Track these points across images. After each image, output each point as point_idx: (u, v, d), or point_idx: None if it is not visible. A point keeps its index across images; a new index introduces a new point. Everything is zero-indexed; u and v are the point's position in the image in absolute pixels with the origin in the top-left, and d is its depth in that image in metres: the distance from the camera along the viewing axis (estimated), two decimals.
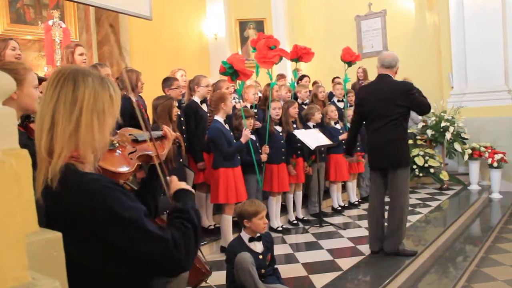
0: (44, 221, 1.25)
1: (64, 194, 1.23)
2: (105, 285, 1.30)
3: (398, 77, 4.31)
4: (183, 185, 1.61)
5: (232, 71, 4.50)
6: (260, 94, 5.83)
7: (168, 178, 1.66)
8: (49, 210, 1.25)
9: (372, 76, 7.69)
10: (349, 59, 5.95)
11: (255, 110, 5.12)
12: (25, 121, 2.14)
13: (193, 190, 1.61)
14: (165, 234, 1.28)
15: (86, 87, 1.30)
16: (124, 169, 1.63)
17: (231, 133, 4.46)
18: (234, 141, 4.39)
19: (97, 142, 1.31)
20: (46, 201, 1.23)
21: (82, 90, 1.29)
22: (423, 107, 3.99)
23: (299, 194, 5.51)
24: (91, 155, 1.32)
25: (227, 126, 4.47)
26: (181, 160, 4.16)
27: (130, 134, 1.79)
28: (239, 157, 4.44)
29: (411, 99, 3.93)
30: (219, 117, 4.38)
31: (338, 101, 6.67)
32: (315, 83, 7.31)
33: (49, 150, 1.26)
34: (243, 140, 4.35)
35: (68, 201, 1.23)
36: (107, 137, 1.37)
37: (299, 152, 5.35)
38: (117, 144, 1.70)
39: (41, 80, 2.30)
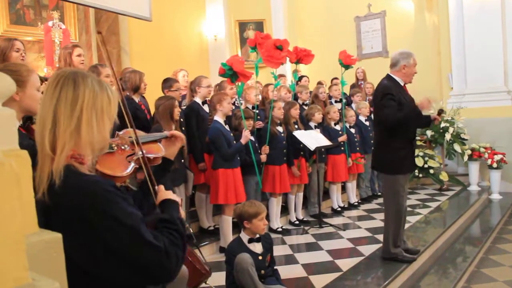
0: (43, 220, 1.27)
1: (65, 195, 1.25)
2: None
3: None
4: (169, 195, 1.63)
5: (231, 73, 4.50)
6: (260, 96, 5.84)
7: (156, 187, 1.69)
8: (51, 209, 1.26)
9: (370, 77, 7.72)
10: (348, 63, 5.97)
11: (257, 111, 5.12)
12: (27, 122, 2.13)
13: (178, 200, 1.63)
14: (159, 243, 1.31)
15: (86, 87, 1.33)
16: (121, 172, 1.66)
17: (231, 134, 4.47)
18: (234, 141, 4.39)
19: (96, 141, 1.35)
20: (50, 200, 1.25)
21: (82, 89, 1.33)
22: (384, 122, 3.74)
23: (300, 195, 5.50)
24: (90, 155, 1.35)
25: (227, 127, 4.47)
26: (182, 161, 4.17)
27: (129, 137, 1.81)
28: (238, 158, 4.44)
29: (378, 105, 3.80)
30: (219, 118, 4.38)
31: (336, 101, 6.68)
32: (319, 83, 7.29)
33: (52, 146, 1.29)
34: (243, 141, 4.35)
35: (68, 203, 1.25)
36: (106, 138, 1.40)
37: (301, 153, 5.35)
38: (115, 147, 1.73)
39: (42, 79, 2.30)
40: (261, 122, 5.09)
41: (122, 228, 1.25)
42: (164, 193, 1.64)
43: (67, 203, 1.25)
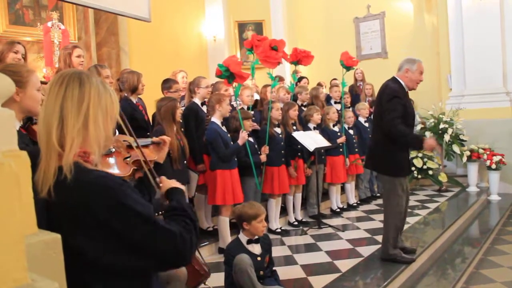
0: (45, 217, 1.28)
1: (76, 190, 1.26)
2: (111, 282, 1.33)
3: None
4: (173, 183, 1.67)
5: (228, 74, 4.51)
6: (257, 96, 5.82)
7: (157, 179, 1.72)
8: (56, 206, 1.27)
9: (369, 78, 7.72)
10: (350, 64, 5.97)
11: (252, 112, 5.12)
12: (27, 123, 2.14)
13: (183, 187, 1.68)
14: (174, 229, 1.35)
15: (91, 85, 1.36)
16: (121, 173, 1.71)
17: (228, 135, 4.46)
18: (232, 142, 4.39)
19: (103, 138, 1.37)
20: (57, 196, 1.26)
21: (88, 88, 1.35)
22: (385, 125, 3.71)
23: (298, 196, 5.50)
24: (96, 152, 1.37)
25: (224, 128, 4.47)
26: (185, 162, 4.17)
27: (124, 141, 1.86)
28: (236, 159, 4.44)
29: (384, 107, 3.76)
30: (216, 119, 4.38)
31: (335, 102, 6.67)
32: (318, 84, 7.29)
33: (60, 143, 1.30)
34: (240, 142, 4.35)
35: (80, 198, 1.26)
36: (111, 135, 1.43)
37: (299, 154, 5.35)
38: (113, 150, 1.78)
39: (42, 83, 2.31)
40: (254, 124, 5.08)
41: (137, 219, 1.28)
42: (168, 182, 1.67)
43: (79, 198, 1.26)
